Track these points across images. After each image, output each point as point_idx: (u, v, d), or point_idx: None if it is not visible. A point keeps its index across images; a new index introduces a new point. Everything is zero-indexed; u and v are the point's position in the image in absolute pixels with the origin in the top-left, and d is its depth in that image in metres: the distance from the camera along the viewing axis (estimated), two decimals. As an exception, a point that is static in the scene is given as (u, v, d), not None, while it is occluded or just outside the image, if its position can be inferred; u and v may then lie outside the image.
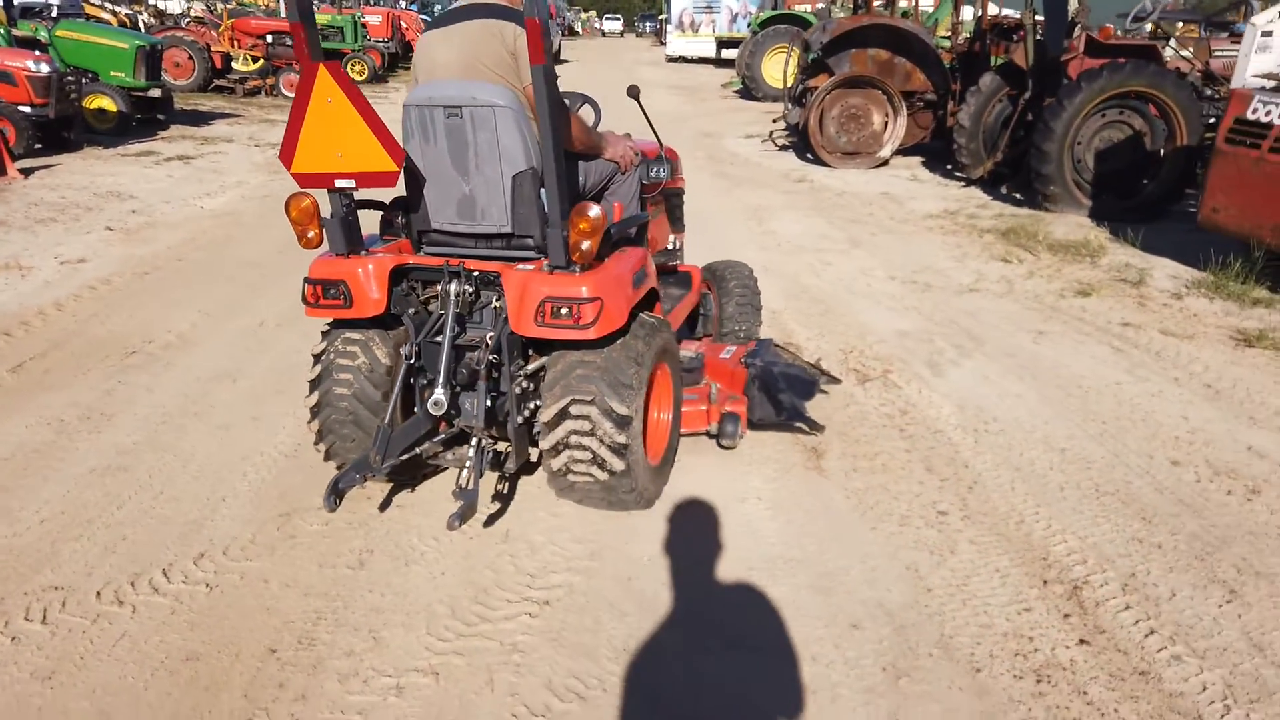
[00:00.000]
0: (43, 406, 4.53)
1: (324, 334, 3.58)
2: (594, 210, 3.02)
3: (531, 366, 3.42)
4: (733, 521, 3.56)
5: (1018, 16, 10.69)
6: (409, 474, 3.68)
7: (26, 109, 10.85)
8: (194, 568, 3.24)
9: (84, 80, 12.46)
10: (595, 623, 2.96)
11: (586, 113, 4.13)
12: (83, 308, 6.10)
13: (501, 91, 3.14)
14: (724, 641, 2.89)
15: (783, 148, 13.84)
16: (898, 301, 6.35)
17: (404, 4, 29.97)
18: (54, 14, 14.74)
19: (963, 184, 10.89)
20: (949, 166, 11.58)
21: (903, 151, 12.68)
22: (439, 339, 3.28)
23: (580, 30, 52.28)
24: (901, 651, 2.83)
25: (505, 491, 3.73)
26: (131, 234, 8.13)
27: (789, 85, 13.74)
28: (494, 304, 3.37)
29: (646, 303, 3.68)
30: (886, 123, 12.12)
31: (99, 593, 3.09)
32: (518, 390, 3.35)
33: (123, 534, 3.45)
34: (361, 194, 3.36)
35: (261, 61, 18.98)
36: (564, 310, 3.10)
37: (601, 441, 3.24)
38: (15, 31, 12.60)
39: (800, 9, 22.15)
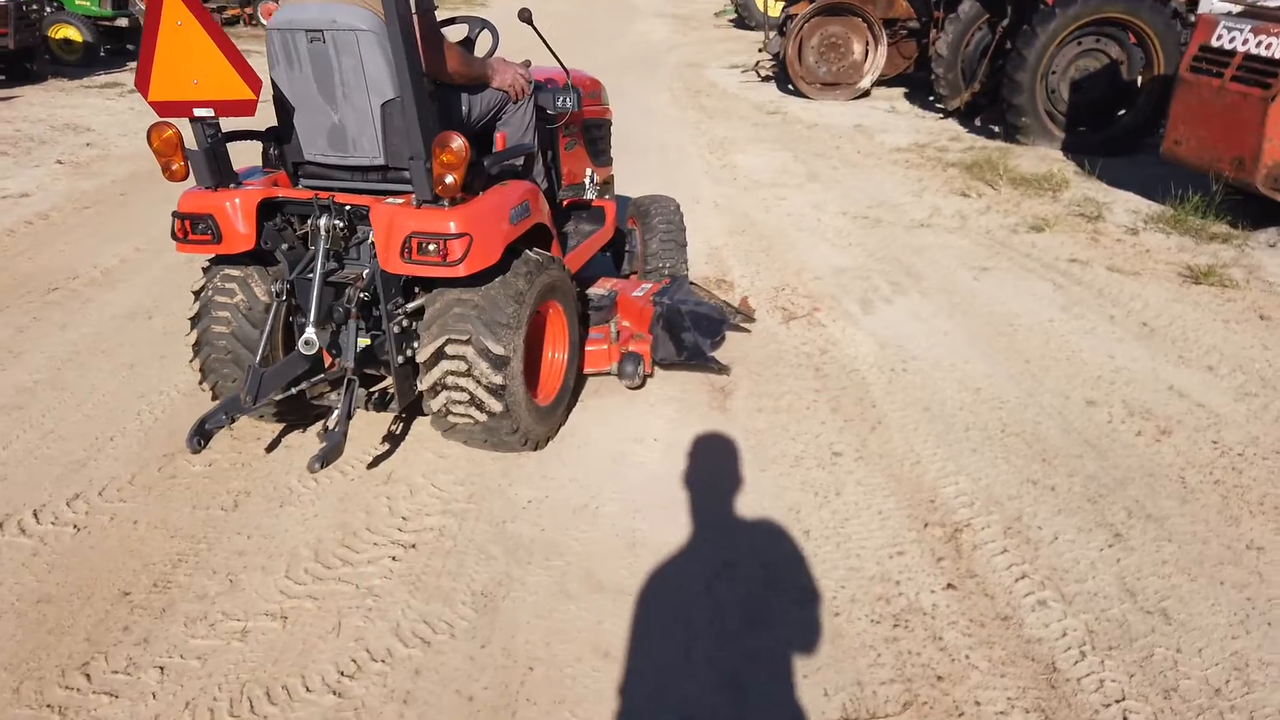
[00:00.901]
0: (-50, 345, 4.47)
1: (204, 270, 3.48)
2: (456, 141, 2.88)
3: (412, 305, 3.32)
4: (625, 463, 3.49)
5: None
6: (299, 414, 3.62)
7: (-16, 39, 10.62)
8: (66, 509, 3.19)
9: (47, 9, 12.18)
10: (459, 566, 2.91)
11: (484, 39, 3.97)
12: (15, 243, 6.00)
13: (364, 15, 2.98)
14: (589, 585, 2.84)
15: (765, 79, 13.50)
16: (844, 238, 6.20)
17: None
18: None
19: (940, 116, 10.61)
20: (930, 98, 11.26)
21: (885, 82, 12.36)
22: (311, 275, 3.18)
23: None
24: (764, 595, 2.77)
25: (398, 433, 3.67)
26: (81, 167, 7.99)
27: (767, 14, 13.34)
28: (370, 240, 3.25)
29: (538, 240, 3.56)
30: (867, 52, 11.78)
31: (-37, 534, 3.05)
32: (397, 329, 3.26)
33: (2, 474, 3.40)
34: (238, 124, 3.24)
35: (240, -10, 18.54)
36: (431, 246, 2.99)
37: (478, 382, 3.16)
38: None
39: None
